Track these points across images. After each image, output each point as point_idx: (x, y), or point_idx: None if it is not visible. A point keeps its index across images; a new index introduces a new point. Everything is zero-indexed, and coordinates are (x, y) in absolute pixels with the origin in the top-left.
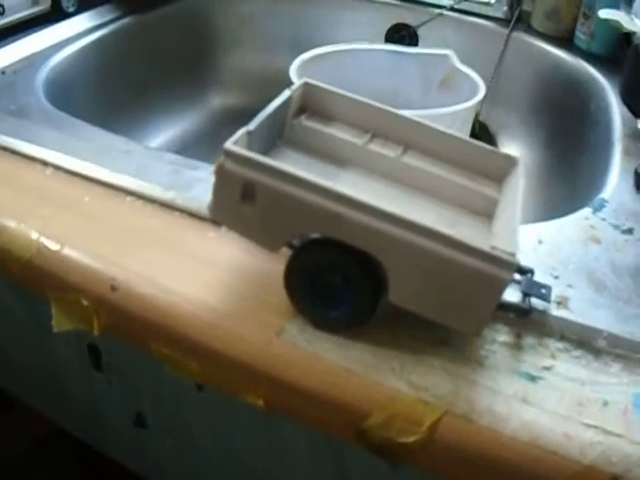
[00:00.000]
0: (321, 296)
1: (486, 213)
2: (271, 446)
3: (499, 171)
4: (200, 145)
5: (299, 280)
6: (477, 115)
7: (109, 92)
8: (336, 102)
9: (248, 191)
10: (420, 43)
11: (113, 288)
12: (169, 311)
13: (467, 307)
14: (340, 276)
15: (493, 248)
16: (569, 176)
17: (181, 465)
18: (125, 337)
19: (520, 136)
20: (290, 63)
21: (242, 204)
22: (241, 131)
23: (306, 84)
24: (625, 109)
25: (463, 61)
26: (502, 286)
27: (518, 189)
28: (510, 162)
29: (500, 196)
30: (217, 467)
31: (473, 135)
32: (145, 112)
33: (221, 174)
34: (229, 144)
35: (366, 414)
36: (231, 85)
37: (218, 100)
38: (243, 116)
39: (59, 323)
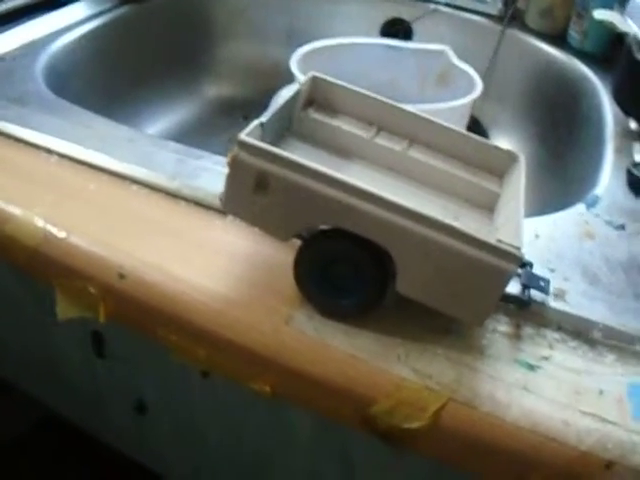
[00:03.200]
0: (330, 285)
1: (487, 206)
2: (275, 431)
3: (500, 166)
4: (195, 135)
5: (308, 270)
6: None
7: (106, 80)
8: (343, 95)
9: (261, 182)
10: (414, 38)
11: (121, 276)
12: (177, 299)
13: (472, 298)
14: (349, 266)
15: (499, 241)
16: (561, 172)
17: (180, 450)
18: (131, 324)
19: (512, 131)
20: (285, 54)
21: (255, 195)
22: (254, 123)
23: (314, 77)
24: (616, 107)
25: (457, 56)
26: (507, 278)
27: (520, 185)
28: (511, 158)
29: (501, 190)
30: (217, 452)
31: (466, 129)
32: (141, 101)
33: (235, 165)
34: (243, 135)
35: (372, 401)
36: (226, 75)
37: (213, 90)
38: (238, 107)
39: (64, 311)
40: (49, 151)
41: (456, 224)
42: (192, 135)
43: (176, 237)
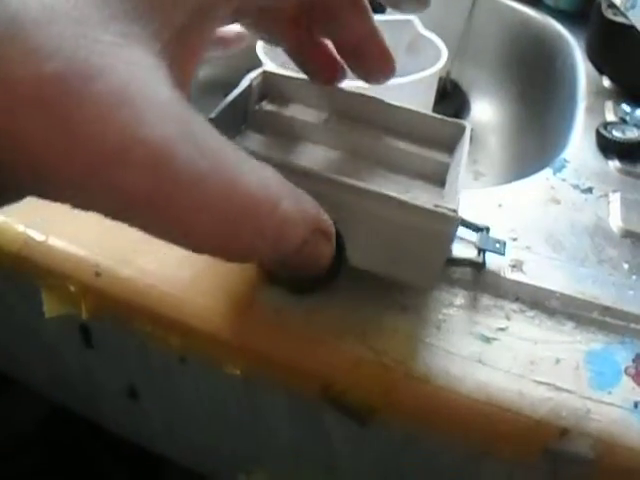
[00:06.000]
0: None
1: (440, 179)
2: (255, 412)
3: (451, 138)
4: None
5: None
6: (449, 74)
7: None
8: (294, 86)
9: None
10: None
11: (97, 274)
12: (147, 292)
13: (418, 262)
14: None
15: (436, 206)
16: (539, 131)
17: (172, 432)
18: (111, 318)
19: (492, 93)
20: None
21: None
22: None
23: (265, 72)
24: (590, 66)
25: (432, 21)
26: (446, 240)
27: (463, 152)
28: (460, 129)
29: (451, 161)
30: (206, 432)
31: (445, 94)
32: None
33: None
34: None
35: (333, 380)
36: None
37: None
38: (220, 86)
39: (50, 309)
40: None
41: (391, 193)
42: None
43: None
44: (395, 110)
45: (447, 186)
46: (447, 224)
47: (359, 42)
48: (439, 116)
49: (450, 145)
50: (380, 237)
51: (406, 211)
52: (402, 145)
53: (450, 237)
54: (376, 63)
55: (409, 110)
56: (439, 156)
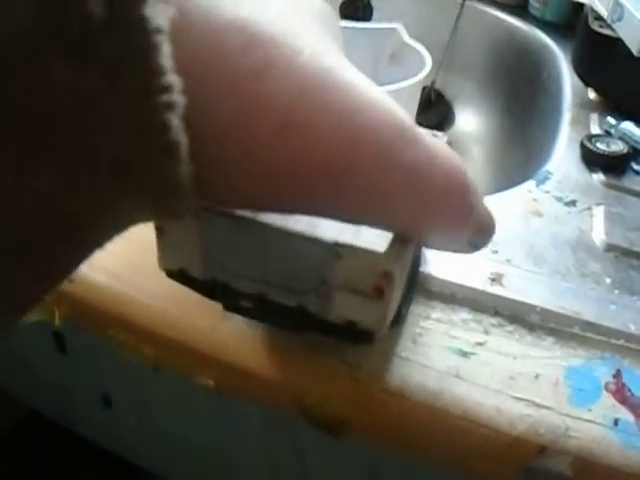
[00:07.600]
0: None
1: None
2: (228, 424)
3: None
4: None
5: None
6: (433, 83)
7: None
8: None
9: None
10: (375, 14)
11: (70, 280)
12: (122, 300)
13: None
14: None
15: None
16: (523, 143)
17: (147, 443)
18: (85, 325)
19: (476, 104)
20: None
21: None
22: None
23: None
24: (576, 77)
25: (418, 31)
26: None
27: None
28: None
29: None
30: (179, 443)
31: (429, 104)
32: None
33: None
34: None
35: (306, 393)
36: None
37: None
38: None
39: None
40: None
41: None
42: None
43: (121, 238)
44: None
45: None
46: None
47: None
48: None
49: None
50: None
51: None
52: None
53: None
54: None
55: None
56: None
